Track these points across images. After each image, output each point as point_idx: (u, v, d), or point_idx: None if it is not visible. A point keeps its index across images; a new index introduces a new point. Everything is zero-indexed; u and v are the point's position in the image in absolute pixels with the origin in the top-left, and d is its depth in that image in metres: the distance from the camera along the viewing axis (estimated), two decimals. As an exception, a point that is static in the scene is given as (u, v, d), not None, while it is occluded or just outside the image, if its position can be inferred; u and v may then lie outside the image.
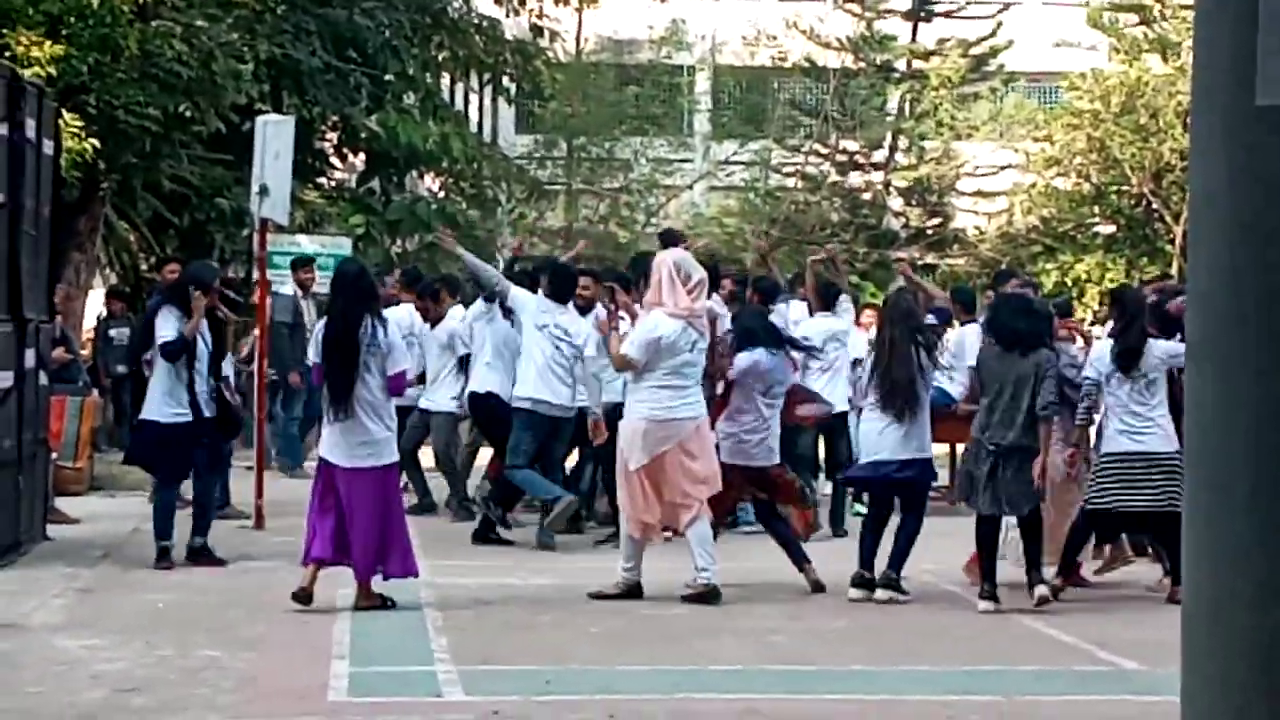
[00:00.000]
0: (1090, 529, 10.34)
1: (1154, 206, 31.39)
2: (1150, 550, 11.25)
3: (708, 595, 9.77)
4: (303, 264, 17.45)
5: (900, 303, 10.72)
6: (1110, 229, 32.63)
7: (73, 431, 14.85)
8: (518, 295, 12.42)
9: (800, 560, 10.38)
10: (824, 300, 13.83)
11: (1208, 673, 3.59)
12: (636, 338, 9.95)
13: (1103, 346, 10.44)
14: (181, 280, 11.51)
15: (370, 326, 9.31)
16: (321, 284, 17.51)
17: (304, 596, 9.28)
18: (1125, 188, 31.67)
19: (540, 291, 12.49)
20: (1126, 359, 10.02)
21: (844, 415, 12.94)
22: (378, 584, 9.44)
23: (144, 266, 23.35)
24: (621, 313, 11.46)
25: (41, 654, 8.15)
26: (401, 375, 9.55)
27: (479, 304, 13.05)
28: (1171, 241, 30.70)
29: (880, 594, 10.03)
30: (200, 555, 11.01)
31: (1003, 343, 9.88)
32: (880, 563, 10.17)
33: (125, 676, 7.64)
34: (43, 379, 11.97)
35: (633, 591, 9.90)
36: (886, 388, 10.13)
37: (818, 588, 10.24)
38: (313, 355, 9.89)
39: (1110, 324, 10.97)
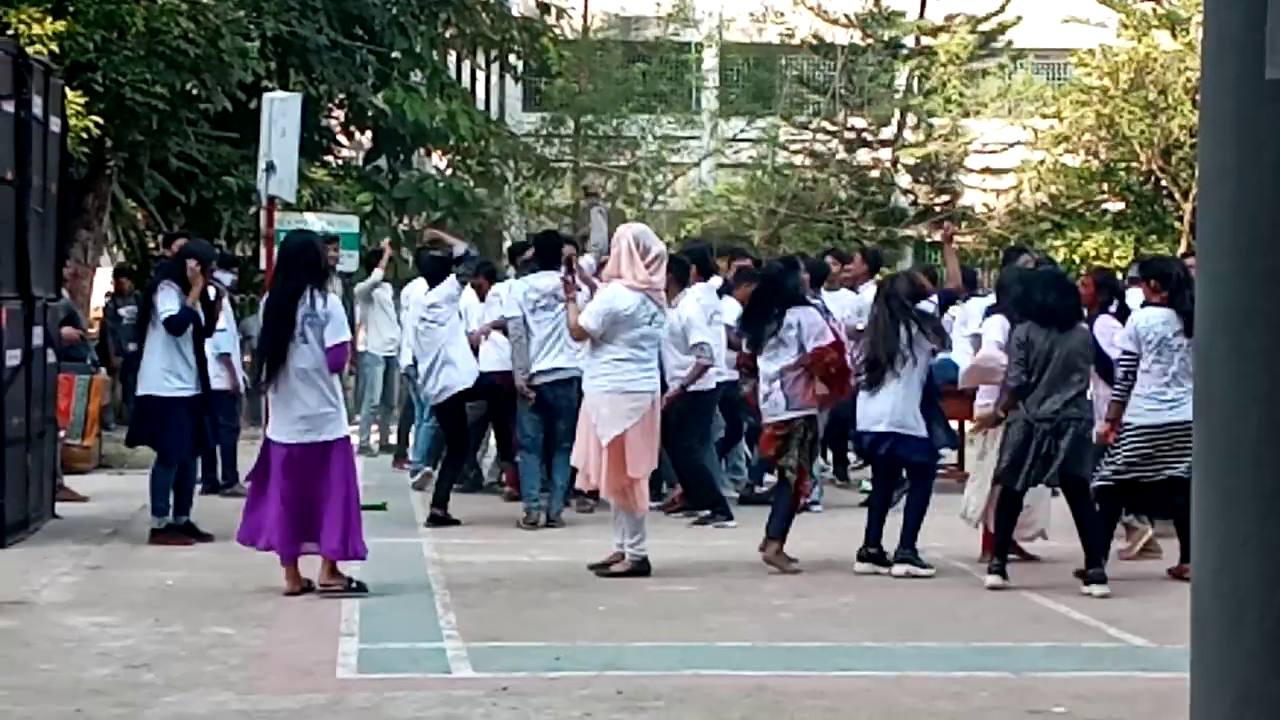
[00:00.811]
0: (1111, 507, 10.27)
1: (1163, 183, 31.31)
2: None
3: (639, 569, 9.92)
4: (327, 243, 17.47)
5: (898, 283, 10.70)
6: (1119, 206, 32.54)
7: (81, 409, 14.88)
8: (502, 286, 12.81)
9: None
10: (969, 282, 13.91)
11: (1217, 649, 3.59)
12: (594, 308, 10.11)
13: (1145, 318, 10.21)
14: (179, 256, 11.51)
15: (310, 297, 9.11)
16: (342, 263, 17.62)
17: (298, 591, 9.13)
18: (1134, 164, 31.57)
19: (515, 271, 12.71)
20: (1190, 324, 10.15)
21: None
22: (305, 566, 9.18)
23: (151, 244, 23.35)
24: (579, 282, 11.51)
25: (51, 631, 8.17)
26: (340, 348, 9.18)
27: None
28: (1180, 218, 30.61)
29: (898, 569, 10.06)
30: (187, 532, 11.05)
31: (1041, 319, 9.80)
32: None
33: (134, 653, 7.66)
34: (51, 357, 11.98)
35: (641, 568, 9.99)
36: (870, 362, 10.25)
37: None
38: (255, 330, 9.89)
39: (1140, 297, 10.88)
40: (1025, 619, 8.97)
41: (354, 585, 9.15)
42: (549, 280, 12.02)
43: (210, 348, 12.57)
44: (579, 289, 11.41)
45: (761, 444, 10.73)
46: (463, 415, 12.64)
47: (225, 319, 13.10)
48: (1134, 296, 11.67)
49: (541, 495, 12.25)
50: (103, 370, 16.40)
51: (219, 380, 12.61)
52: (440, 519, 12.10)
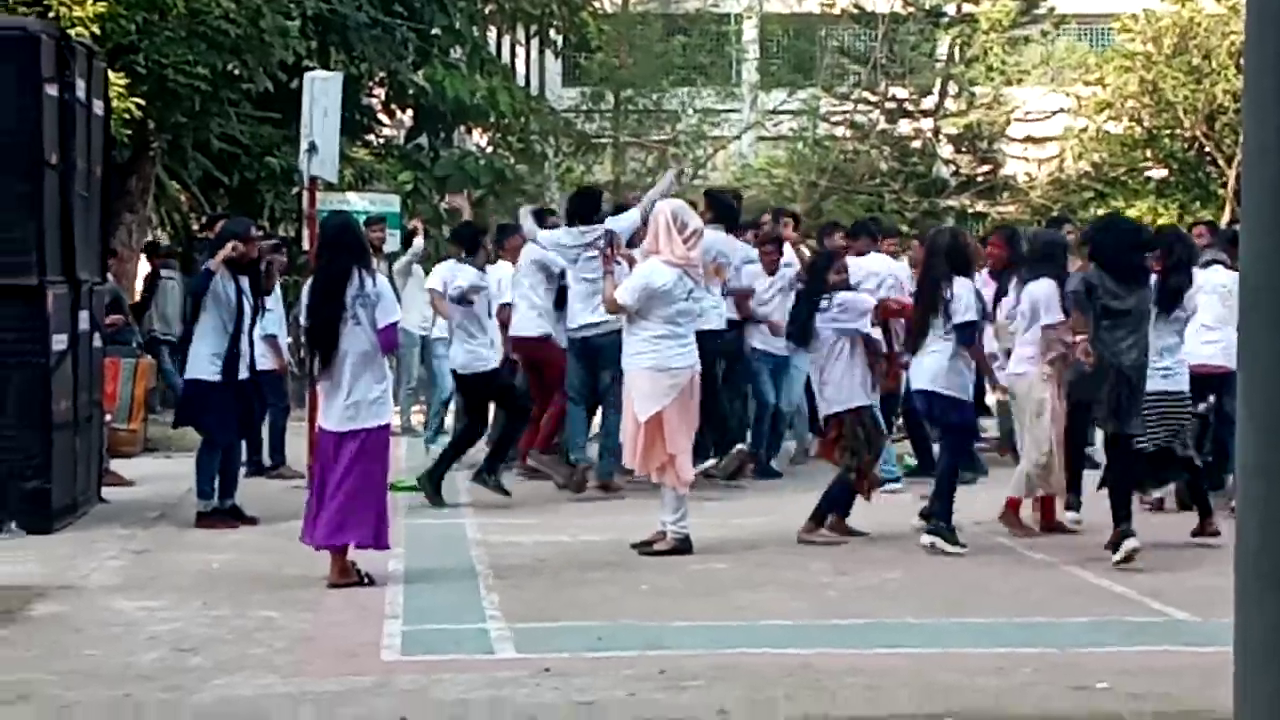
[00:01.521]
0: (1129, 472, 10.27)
1: (1207, 150, 31.09)
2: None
3: (681, 547, 9.96)
4: (374, 223, 17.57)
5: (939, 238, 10.64)
6: (1162, 173, 32.35)
7: (127, 393, 14.98)
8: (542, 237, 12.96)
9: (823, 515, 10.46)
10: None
11: (1261, 622, 3.58)
12: (631, 283, 10.14)
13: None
14: (220, 238, 11.51)
15: (359, 278, 8.94)
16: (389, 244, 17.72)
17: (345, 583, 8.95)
18: (1178, 131, 31.37)
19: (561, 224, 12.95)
20: (1173, 299, 10.17)
21: None
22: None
23: (195, 225, 23.46)
24: (619, 257, 11.63)
25: (99, 616, 8.24)
26: (391, 328, 9.01)
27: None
28: (1224, 185, 30.41)
29: (925, 540, 10.03)
30: (233, 515, 11.13)
31: (1123, 276, 9.74)
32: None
33: (182, 636, 7.73)
34: (97, 341, 12.05)
35: (684, 546, 10.02)
36: (913, 322, 10.35)
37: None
38: (302, 317, 9.68)
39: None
40: (1067, 593, 8.95)
41: (366, 579, 8.97)
42: (582, 235, 12.30)
43: (257, 329, 12.68)
44: (618, 263, 11.48)
45: (822, 451, 10.73)
46: (486, 393, 12.64)
47: (273, 300, 13.19)
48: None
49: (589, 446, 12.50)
50: (148, 355, 16.48)
51: (265, 360, 12.71)
52: (435, 498, 12.13)
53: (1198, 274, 10.93)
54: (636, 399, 9.92)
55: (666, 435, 9.88)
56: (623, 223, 12.54)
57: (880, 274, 13.35)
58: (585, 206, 12.86)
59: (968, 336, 10.13)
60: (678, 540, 9.99)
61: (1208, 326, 11.34)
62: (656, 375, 9.89)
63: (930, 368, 10.18)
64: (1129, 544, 9.50)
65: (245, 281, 11.17)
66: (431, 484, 12.17)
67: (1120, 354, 9.66)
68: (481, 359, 12.44)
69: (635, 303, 9.95)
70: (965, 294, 10.16)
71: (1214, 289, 11.57)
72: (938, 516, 10.10)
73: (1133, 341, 9.70)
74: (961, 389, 10.22)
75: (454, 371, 12.78)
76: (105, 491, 12.17)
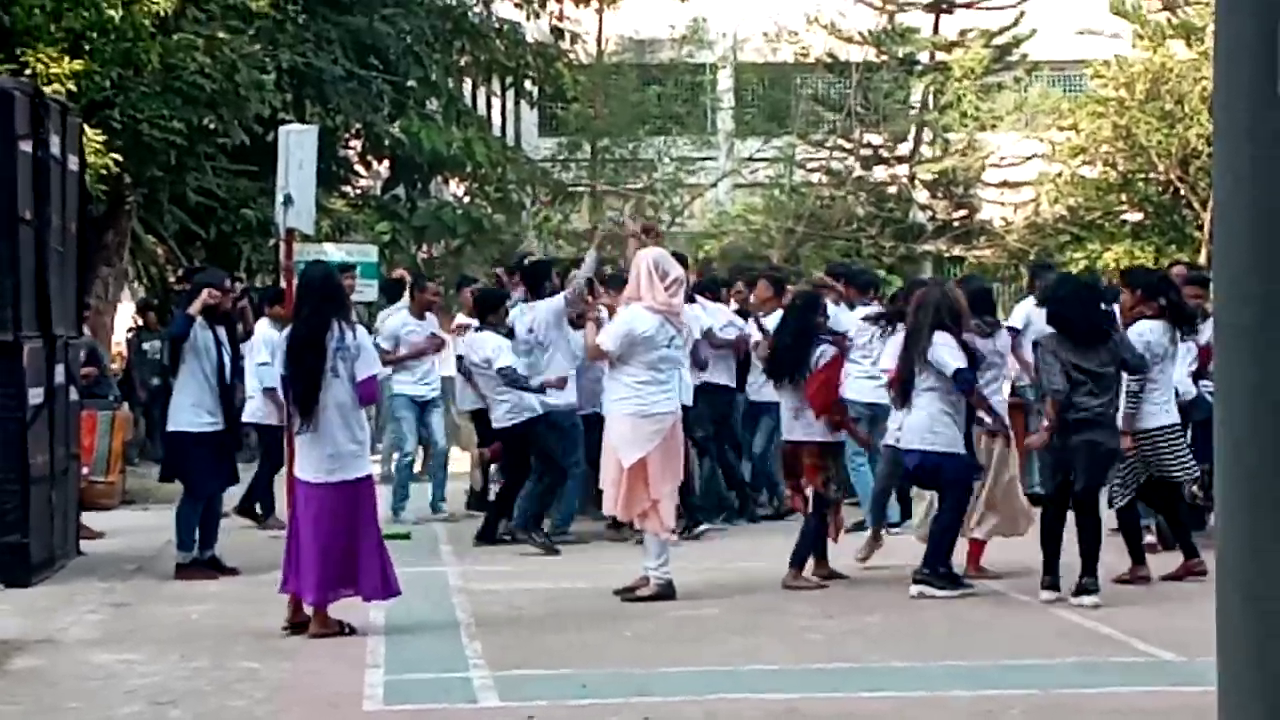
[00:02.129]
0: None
1: (1181, 193, 31.23)
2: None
3: (664, 593, 9.96)
4: (344, 270, 17.54)
5: (930, 293, 10.62)
6: (1138, 216, 32.46)
7: (104, 446, 14.91)
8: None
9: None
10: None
11: (1244, 662, 3.56)
12: (613, 329, 10.18)
13: (1150, 329, 10.45)
14: (195, 289, 11.48)
15: (339, 330, 8.88)
16: (359, 292, 17.62)
17: (293, 628, 8.92)
18: (1152, 174, 31.50)
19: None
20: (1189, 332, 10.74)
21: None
22: (341, 608, 8.98)
23: (172, 279, 23.41)
24: (599, 305, 11.84)
25: (77, 669, 8.17)
26: (371, 380, 8.99)
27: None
28: (1200, 228, 30.51)
29: (913, 590, 9.98)
30: (212, 566, 11.07)
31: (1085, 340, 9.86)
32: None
33: (161, 689, 7.66)
34: (73, 394, 12.00)
35: (666, 591, 9.99)
36: (897, 375, 10.31)
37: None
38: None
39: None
40: (1053, 635, 8.92)
41: (346, 630, 8.91)
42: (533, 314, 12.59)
43: (254, 382, 12.66)
44: (599, 311, 11.55)
45: (807, 473, 10.69)
46: (529, 442, 12.63)
47: (268, 352, 13.14)
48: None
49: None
50: (125, 406, 16.41)
51: (263, 415, 12.84)
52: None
53: None
54: (619, 445, 9.91)
55: (650, 481, 9.86)
56: (550, 307, 12.59)
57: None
58: (532, 279, 13.07)
59: (963, 385, 10.06)
60: (660, 586, 9.95)
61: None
62: (639, 421, 9.89)
63: (918, 425, 10.09)
64: (1090, 598, 9.58)
65: (223, 332, 11.14)
66: (488, 541, 12.46)
67: (1087, 413, 9.71)
68: (518, 411, 12.47)
69: (618, 348, 9.96)
70: (945, 346, 10.09)
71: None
72: (925, 562, 10.05)
73: (1106, 400, 9.74)
74: (952, 441, 10.07)
75: (497, 428, 12.71)
76: (82, 544, 12.07)
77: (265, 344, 13.03)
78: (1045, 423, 9.95)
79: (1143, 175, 31.69)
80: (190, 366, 10.98)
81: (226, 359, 11.11)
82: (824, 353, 10.60)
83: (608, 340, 10.03)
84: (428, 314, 14.74)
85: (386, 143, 24.74)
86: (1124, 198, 32.36)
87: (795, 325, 10.80)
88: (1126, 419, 10.21)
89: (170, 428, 11.20)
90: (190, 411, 10.97)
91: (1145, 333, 10.43)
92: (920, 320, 10.16)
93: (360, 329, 9.23)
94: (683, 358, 10.80)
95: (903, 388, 10.15)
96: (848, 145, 35.28)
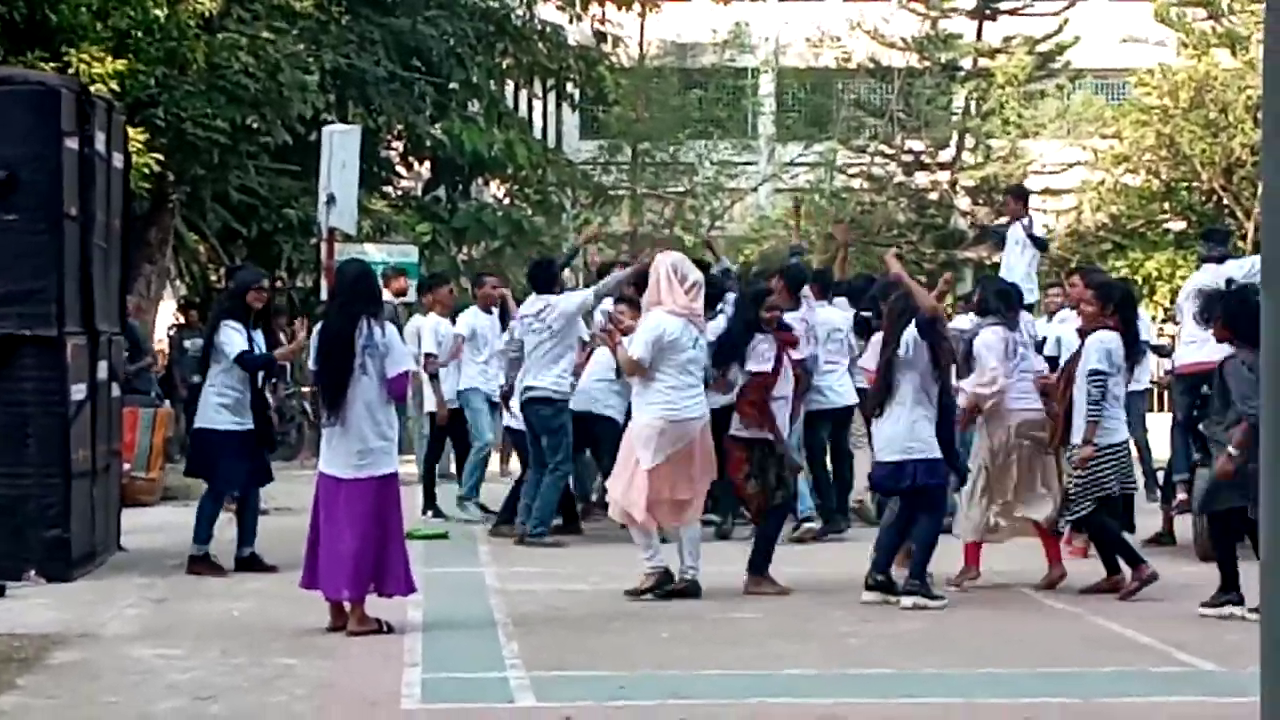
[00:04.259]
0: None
1: (1225, 202, 31.08)
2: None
3: (689, 590, 10.03)
4: (396, 274, 17.74)
5: (897, 300, 10.40)
6: (1181, 225, 32.33)
7: (145, 442, 14.98)
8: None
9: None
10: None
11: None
12: (641, 336, 10.17)
13: (1114, 340, 10.28)
14: (237, 290, 11.47)
15: (367, 327, 8.88)
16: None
17: (365, 631, 8.90)
18: (1195, 184, 31.38)
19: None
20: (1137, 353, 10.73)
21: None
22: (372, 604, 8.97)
23: (214, 277, 23.54)
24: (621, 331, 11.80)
25: (118, 664, 8.21)
26: (402, 377, 8.95)
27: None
28: (1244, 237, 30.35)
29: (905, 601, 9.82)
30: (251, 564, 11.11)
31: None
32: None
33: (201, 685, 7.69)
34: (115, 390, 12.07)
35: (664, 579, 10.06)
36: (874, 385, 10.30)
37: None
38: (310, 362, 9.65)
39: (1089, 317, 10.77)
40: (1091, 644, 8.88)
41: (385, 628, 8.91)
42: (534, 303, 12.73)
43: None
44: (624, 335, 11.50)
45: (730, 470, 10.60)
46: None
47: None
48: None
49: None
50: (167, 403, 16.49)
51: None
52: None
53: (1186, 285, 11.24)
54: (639, 447, 9.96)
55: (676, 482, 9.93)
56: (573, 300, 12.73)
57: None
58: (541, 277, 13.05)
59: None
60: (656, 576, 10.08)
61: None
62: (667, 426, 9.93)
63: (891, 434, 10.00)
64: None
65: (259, 334, 11.18)
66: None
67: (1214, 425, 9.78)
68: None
69: (649, 355, 9.98)
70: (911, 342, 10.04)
71: (1189, 295, 12.03)
72: (913, 574, 9.94)
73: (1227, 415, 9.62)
74: (928, 446, 9.95)
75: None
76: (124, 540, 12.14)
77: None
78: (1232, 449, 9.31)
79: (1186, 184, 31.56)
80: (222, 365, 11.02)
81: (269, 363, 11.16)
82: (760, 352, 10.45)
83: (638, 348, 10.05)
84: (493, 309, 14.68)
85: (428, 144, 24.83)
86: (1167, 206, 32.24)
87: (742, 318, 10.74)
88: (1091, 428, 10.11)
89: (197, 424, 11.25)
90: (216, 410, 11.01)
91: (1107, 341, 10.31)
92: (894, 327, 10.14)
93: (390, 327, 9.18)
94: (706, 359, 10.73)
95: (878, 395, 10.12)
96: (889, 151, 35.24)
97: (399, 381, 8.97)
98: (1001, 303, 10.85)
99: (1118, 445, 10.36)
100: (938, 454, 9.98)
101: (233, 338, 10.98)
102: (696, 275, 10.31)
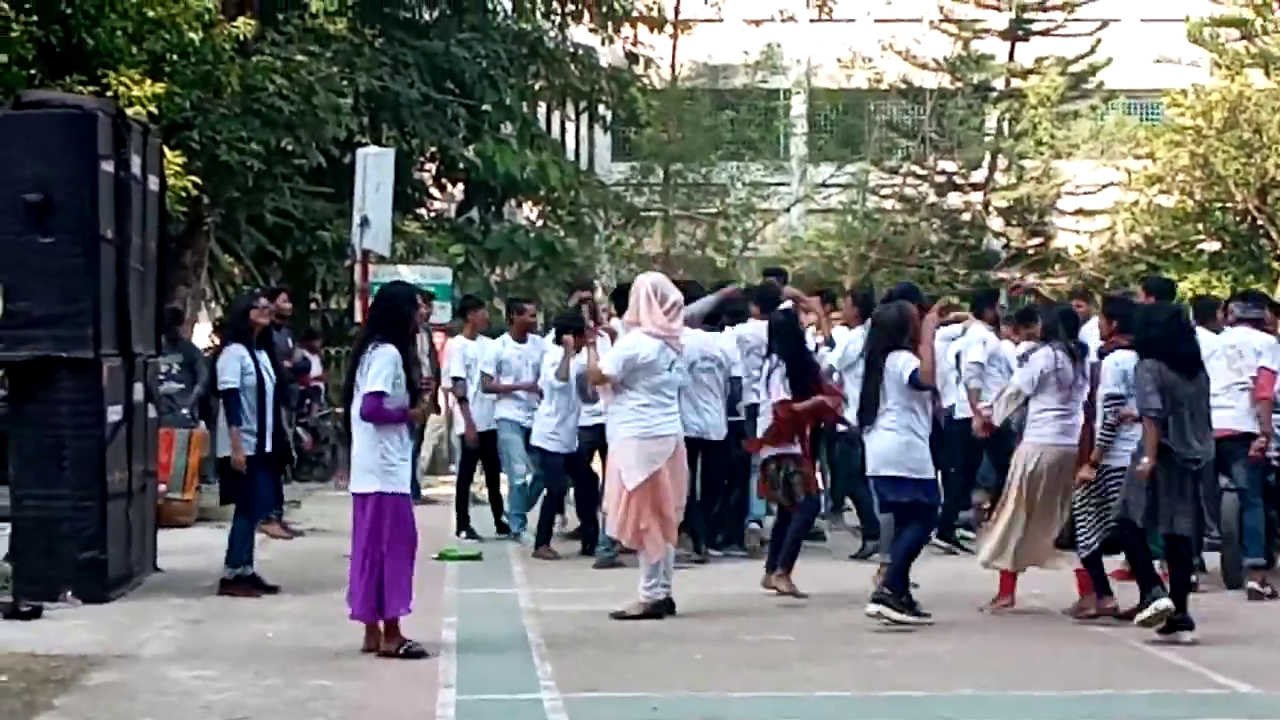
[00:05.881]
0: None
1: (1259, 222, 30.97)
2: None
3: (666, 606, 10.14)
4: (422, 297, 17.80)
5: (886, 314, 10.45)
6: (1215, 246, 32.23)
7: (181, 464, 15.02)
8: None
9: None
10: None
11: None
12: (614, 354, 10.33)
13: (1128, 360, 9.92)
14: (237, 313, 11.67)
15: (370, 348, 9.06)
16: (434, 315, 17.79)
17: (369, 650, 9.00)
18: (1229, 204, 31.28)
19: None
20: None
21: None
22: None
23: (248, 300, 23.58)
24: (601, 331, 12.03)
25: (154, 685, 8.24)
26: (366, 398, 8.88)
27: None
28: (1278, 258, 30.26)
29: (870, 608, 9.77)
30: (251, 583, 11.17)
31: (1179, 366, 9.54)
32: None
33: (236, 706, 7.71)
34: (151, 412, 12.12)
35: (653, 612, 10.04)
36: (862, 400, 10.34)
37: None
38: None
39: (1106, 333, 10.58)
40: (1127, 666, 8.84)
41: (413, 650, 8.87)
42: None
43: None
44: (600, 335, 11.67)
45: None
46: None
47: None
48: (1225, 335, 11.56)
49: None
50: (202, 424, 16.53)
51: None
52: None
53: (1211, 339, 10.90)
54: (623, 468, 10.01)
55: (653, 501, 9.99)
56: (696, 307, 12.52)
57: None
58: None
59: (917, 385, 10.03)
60: (648, 605, 10.07)
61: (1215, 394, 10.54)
62: (643, 443, 10.01)
63: (882, 450, 10.06)
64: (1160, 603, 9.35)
65: (264, 356, 11.25)
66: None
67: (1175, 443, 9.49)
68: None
69: (619, 373, 10.07)
70: (903, 361, 10.04)
71: (1222, 352, 11.31)
72: (886, 582, 9.94)
73: (1192, 431, 9.52)
74: (920, 465, 10.03)
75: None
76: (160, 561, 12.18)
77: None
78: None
79: (1220, 204, 31.46)
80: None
81: (268, 381, 11.20)
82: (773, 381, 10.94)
83: (609, 364, 10.17)
84: (529, 336, 14.58)
85: (461, 166, 24.91)
86: (1201, 227, 32.15)
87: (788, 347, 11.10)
88: (1100, 451, 9.88)
89: (220, 453, 11.33)
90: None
91: (1123, 363, 10.14)
92: (876, 343, 10.17)
93: (384, 347, 9.02)
94: (685, 380, 10.76)
95: (865, 409, 10.16)
96: (921, 171, 35.21)
97: (365, 400, 8.92)
98: (1064, 326, 10.67)
99: (1122, 470, 9.88)
100: (927, 473, 10.15)
101: (229, 365, 11.10)
102: (676, 296, 10.37)
